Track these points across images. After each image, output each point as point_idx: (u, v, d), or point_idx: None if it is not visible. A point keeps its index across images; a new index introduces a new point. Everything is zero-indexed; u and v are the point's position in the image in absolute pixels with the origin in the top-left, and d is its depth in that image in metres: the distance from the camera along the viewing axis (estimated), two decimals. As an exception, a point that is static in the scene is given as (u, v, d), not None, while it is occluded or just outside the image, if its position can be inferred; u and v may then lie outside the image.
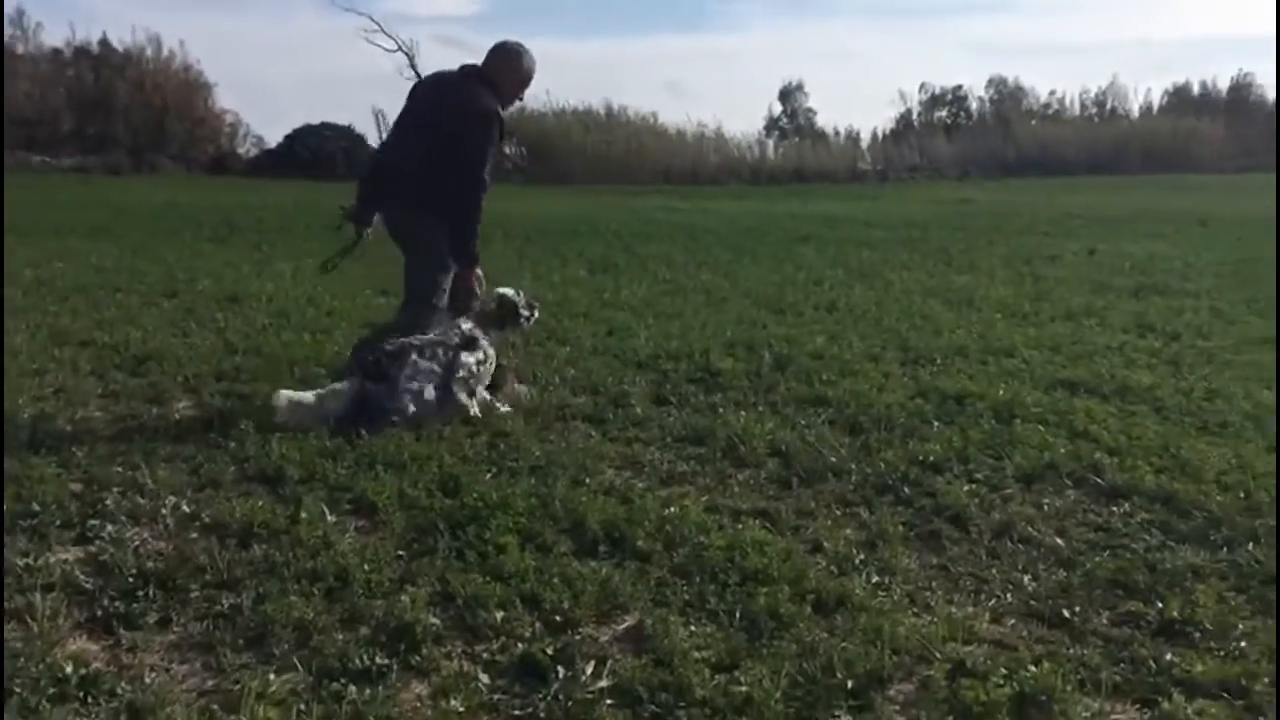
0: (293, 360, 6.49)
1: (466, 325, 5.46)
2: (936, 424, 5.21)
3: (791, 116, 59.23)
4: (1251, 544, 3.58)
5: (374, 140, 47.97)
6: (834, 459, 4.61)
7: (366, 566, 3.33)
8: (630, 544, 3.59)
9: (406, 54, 52.59)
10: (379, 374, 5.10)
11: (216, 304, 9.05)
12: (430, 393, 5.18)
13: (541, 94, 50.17)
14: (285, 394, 5.03)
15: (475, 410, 5.31)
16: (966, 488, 4.24)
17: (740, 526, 3.82)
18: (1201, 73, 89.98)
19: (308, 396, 5.06)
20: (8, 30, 34.56)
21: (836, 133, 54.37)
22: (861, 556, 3.56)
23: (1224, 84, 63.34)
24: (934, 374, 6.47)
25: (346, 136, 45.18)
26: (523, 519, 3.77)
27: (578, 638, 2.96)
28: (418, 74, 50.57)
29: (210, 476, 4.30)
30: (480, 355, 5.42)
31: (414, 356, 5.19)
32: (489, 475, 4.38)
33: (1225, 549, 3.58)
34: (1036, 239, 18.02)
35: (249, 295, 9.54)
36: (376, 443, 4.68)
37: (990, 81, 60.32)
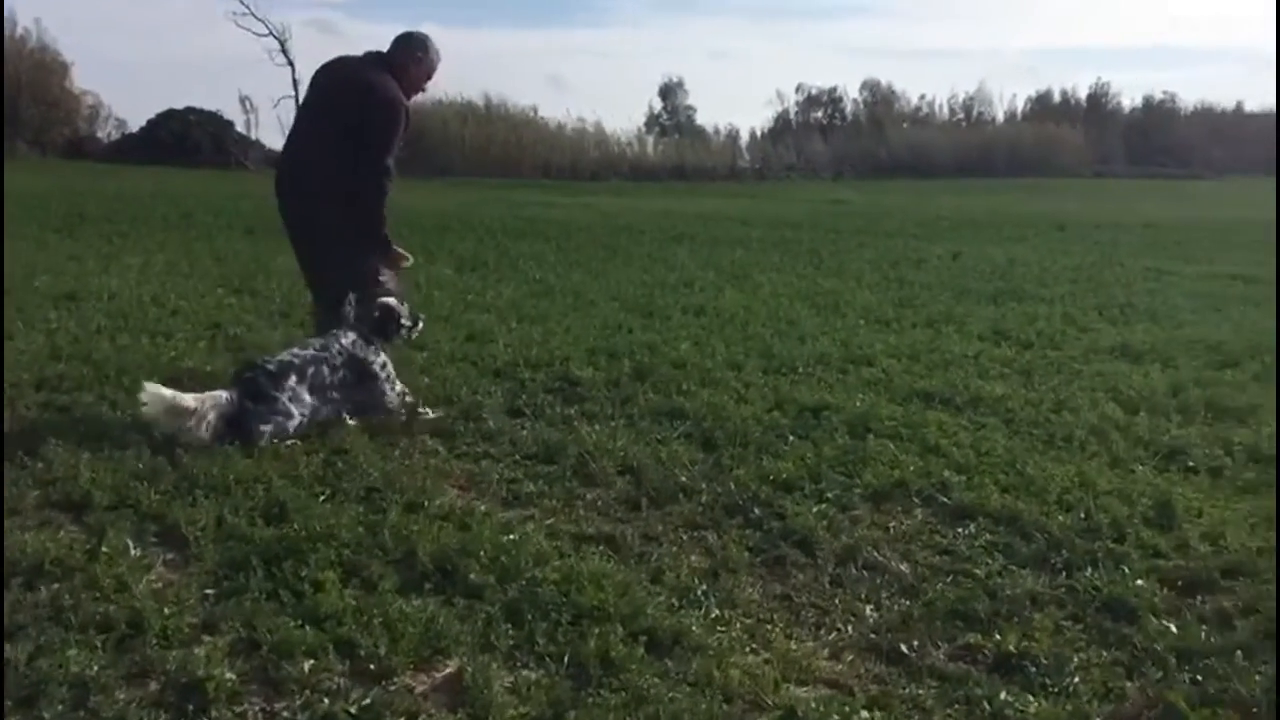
0: (123, 368, 6.06)
1: (347, 339, 5.26)
2: (791, 438, 5.14)
3: (672, 114, 59.59)
4: (1090, 569, 3.57)
5: (241, 127, 46.60)
6: (685, 478, 4.49)
7: (165, 611, 3.05)
8: (462, 577, 3.39)
9: (278, 39, 51.18)
10: (257, 394, 4.87)
11: (51, 303, 8.48)
12: (303, 415, 4.99)
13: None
14: (155, 390, 4.72)
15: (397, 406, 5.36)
16: (816, 509, 4.16)
17: (580, 555, 3.65)
18: (1062, 81, 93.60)
19: (186, 400, 4.74)
20: None
21: (716, 131, 54.97)
22: (703, 587, 3.43)
23: (1083, 92, 66.11)
24: (794, 384, 6.42)
25: (213, 122, 43.64)
26: (347, 550, 3.54)
27: (391, 689, 2.75)
28: (289, 60, 49.28)
29: (9, 503, 3.94)
30: (382, 374, 5.38)
31: (293, 379, 4.99)
32: (320, 499, 4.13)
33: (1064, 573, 3.56)
34: (905, 242, 18.35)
35: (89, 293, 8.99)
36: (200, 463, 4.37)
37: (864, 84, 61.90)
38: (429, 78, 5.76)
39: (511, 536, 3.71)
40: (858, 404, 5.79)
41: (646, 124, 57.09)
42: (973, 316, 9.52)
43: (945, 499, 4.27)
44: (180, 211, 18.07)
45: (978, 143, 56.78)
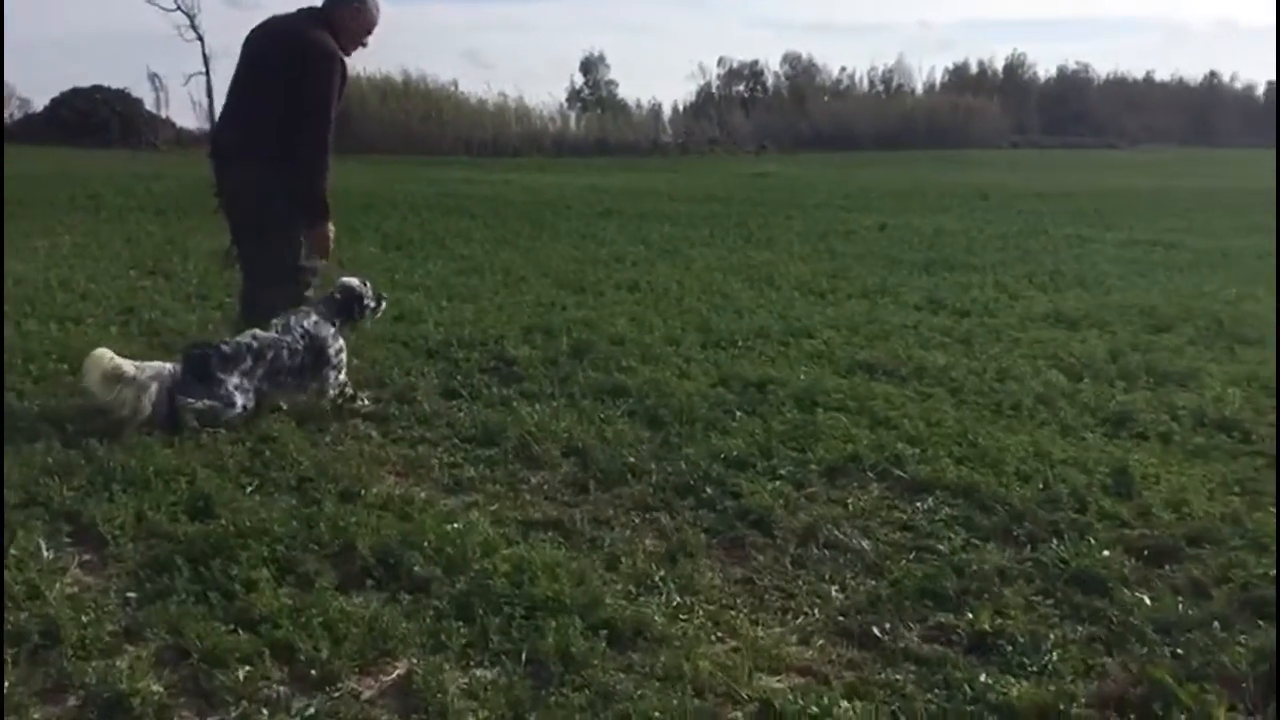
0: (30, 355, 5.71)
1: (309, 320, 4.99)
2: (739, 414, 5.00)
3: (594, 88, 59.15)
4: (1055, 540, 3.48)
5: (151, 105, 45.17)
6: (632, 458, 4.33)
7: (83, 618, 2.79)
8: (405, 571, 3.18)
9: (186, 13, 49.64)
10: (202, 374, 4.61)
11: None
12: (246, 403, 4.72)
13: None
14: (99, 353, 4.46)
15: (335, 395, 5.06)
16: (770, 486, 4.03)
17: (530, 543, 3.47)
18: (979, 53, 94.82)
19: (127, 366, 4.47)
20: None
21: (638, 105, 54.66)
22: (661, 573, 3.26)
23: (1000, 63, 67.07)
24: (735, 358, 6.30)
25: (121, 100, 42.26)
26: (280, 546, 3.30)
27: (335, 696, 2.55)
28: (199, 35, 47.82)
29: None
30: (336, 359, 5.08)
31: (247, 362, 4.73)
32: (247, 491, 3.88)
33: (1029, 546, 3.47)
34: (831, 213, 18.36)
35: (-10, 278, 8.51)
36: (116, 455, 4.09)
37: (785, 57, 62.07)
38: (368, 31, 5.40)
39: (455, 525, 3.51)
40: (802, 377, 5.67)
41: (569, 99, 56.62)
42: (906, 286, 9.49)
43: (900, 473, 4.16)
44: (88, 193, 17.36)
45: (898, 115, 57.34)
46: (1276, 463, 4.24)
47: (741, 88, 60.98)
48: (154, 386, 4.47)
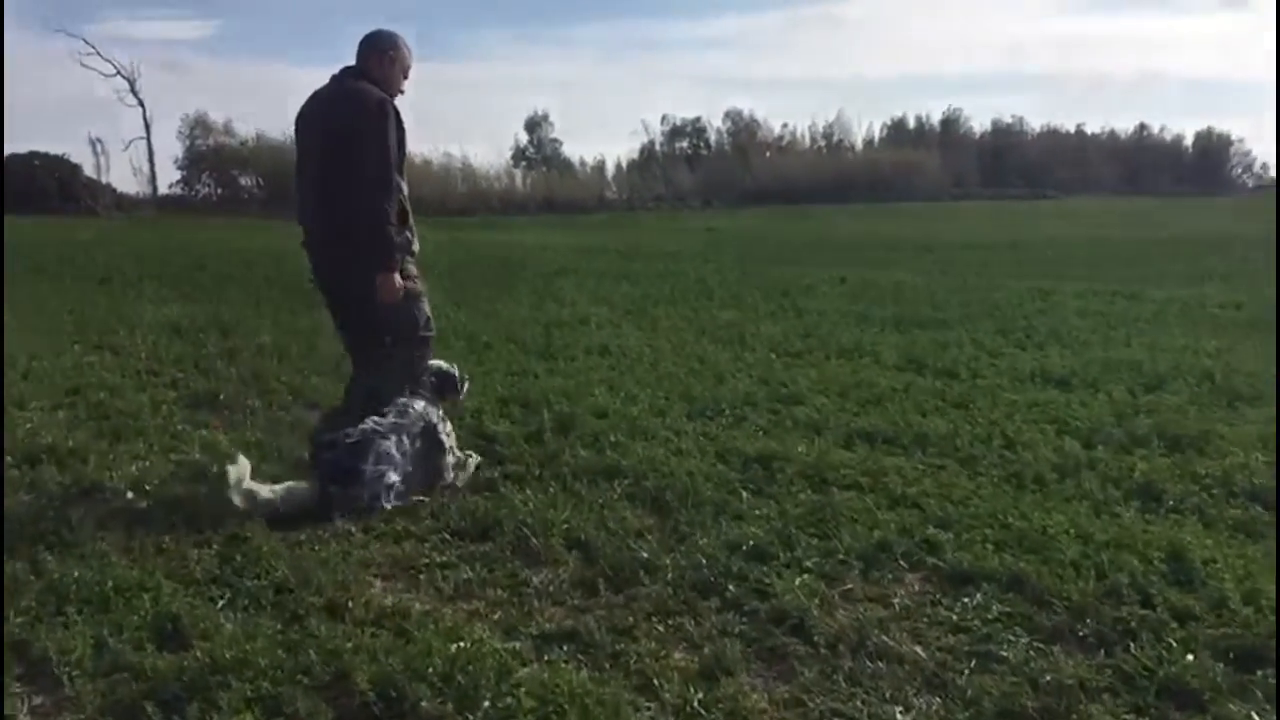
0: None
1: (419, 405, 4.95)
2: (747, 495, 4.66)
3: (538, 146, 59.17)
4: (1130, 642, 3.15)
5: (91, 171, 44.34)
6: (643, 551, 3.95)
7: (37, 790, 2.36)
8: (412, 707, 2.77)
9: (126, 79, 48.96)
10: (341, 474, 4.51)
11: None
12: (396, 479, 4.65)
13: (280, 121, 48.13)
14: (243, 478, 4.37)
15: (461, 476, 5.01)
16: (799, 580, 3.67)
17: (547, 662, 3.08)
18: (914, 108, 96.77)
19: (264, 491, 4.41)
20: None
21: (583, 163, 54.70)
22: (700, 695, 2.89)
23: (937, 117, 68.32)
24: (727, 429, 5.97)
25: (60, 166, 41.39)
26: (265, 682, 2.87)
27: None
28: (139, 100, 47.20)
29: None
30: (448, 441, 5.01)
31: (379, 443, 4.64)
32: (219, 606, 3.45)
33: (1102, 650, 3.13)
34: (787, 269, 18.21)
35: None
36: (70, 567, 3.63)
37: (727, 114, 62.63)
38: (405, 75, 5.12)
39: (462, 644, 3.10)
40: (803, 450, 5.35)
41: (514, 157, 56.49)
42: (881, 345, 9.25)
43: (938, 561, 3.83)
44: (29, 262, 16.69)
45: (839, 169, 58.04)
46: (1277, 466, 3.97)
47: (684, 144, 61.39)
48: (283, 508, 4.40)
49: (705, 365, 8.20)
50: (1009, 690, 2.87)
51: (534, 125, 60.02)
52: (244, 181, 48.66)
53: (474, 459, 5.17)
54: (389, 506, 4.55)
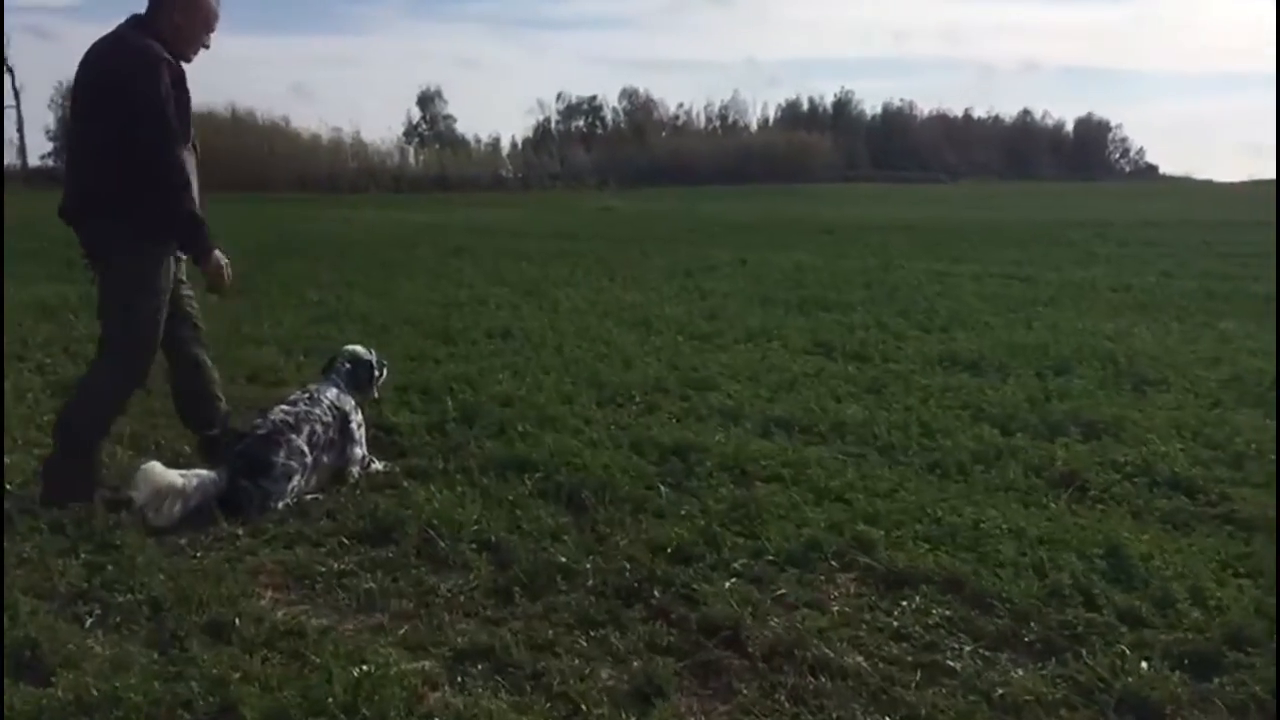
0: None
1: (331, 393, 4.71)
2: (666, 490, 4.42)
3: (431, 123, 57.97)
4: (1081, 650, 3.00)
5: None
6: (560, 554, 3.68)
7: None
8: (311, 747, 2.47)
9: (-10, 43, 46.28)
10: (250, 468, 4.23)
11: None
12: (302, 474, 4.38)
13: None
14: (155, 469, 4.04)
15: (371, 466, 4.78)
16: (728, 585, 3.45)
17: (463, 687, 2.79)
18: (805, 89, 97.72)
19: (175, 478, 4.05)
20: None
21: (477, 140, 53.79)
22: None
23: (830, 100, 69.11)
24: (638, 417, 5.73)
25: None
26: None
27: None
28: (7, 67, 44.72)
29: None
30: (358, 434, 4.76)
31: (290, 436, 4.37)
32: (87, 625, 3.08)
33: (1053, 659, 2.96)
34: (687, 249, 18.06)
35: None
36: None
37: (623, 93, 62.26)
38: (208, 28, 4.46)
39: (365, 667, 2.80)
40: (721, 440, 5.14)
41: (406, 134, 55.20)
42: (788, 328, 9.11)
43: (871, 561, 3.64)
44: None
45: (735, 149, 58.26)
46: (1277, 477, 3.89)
47: (581, 123, 60.88)
48: (196, 499, 4.09)
49: (612, 349, 7.95)
50: (964, 708, 2.68)
51: (426, 101, 58.83)
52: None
53: (378, 464, 4.84)
54: (284, 505, 4.24)
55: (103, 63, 4.27)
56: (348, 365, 4.92)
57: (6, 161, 44.28)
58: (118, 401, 4.54)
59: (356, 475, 4.65)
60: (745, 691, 2.83)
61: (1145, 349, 7.97)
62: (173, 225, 4.33)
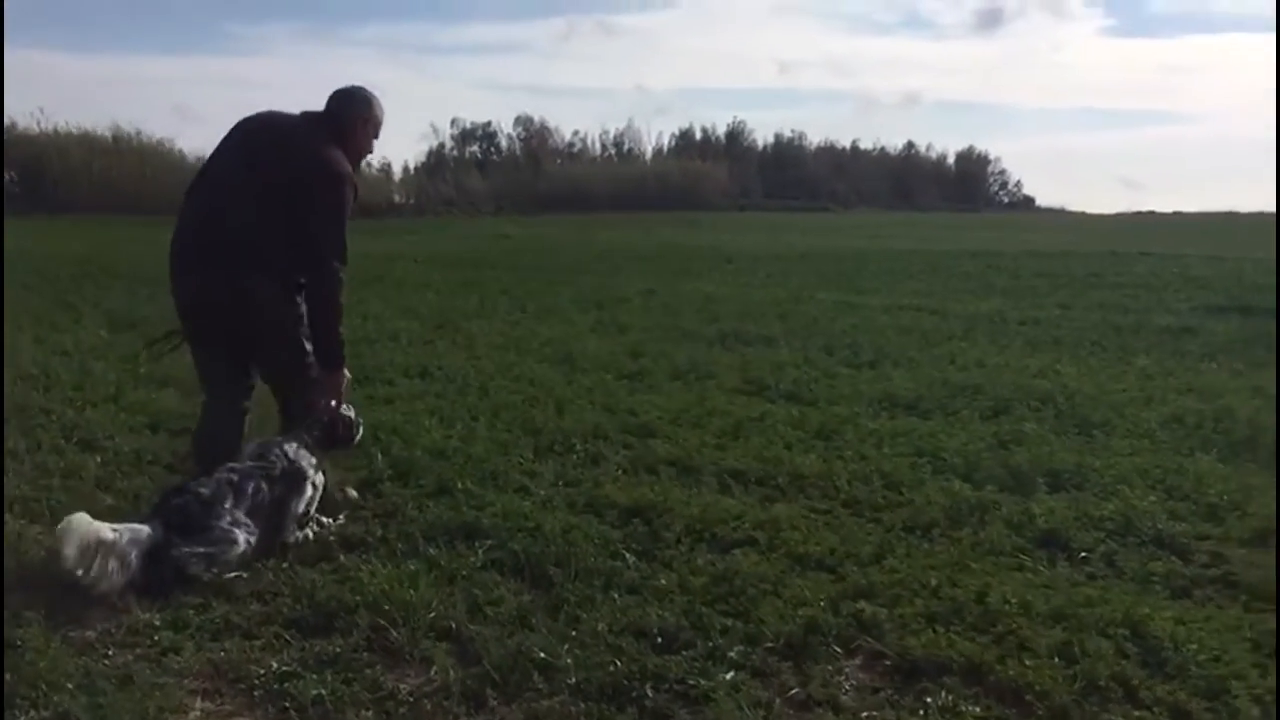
0: None
1: (290, 447, 4.27)
2: (632, 560, 4.04)
3: (320, 145, 56.48)
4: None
5: None
6: (537, 647, 3.26)
7: None
8: None
9: None
10: (186, 526, 3.82)
11: None
12: (249, 538, 3.95)
13: (33, 110, 44.11)
14: (79, 519, 3.62)
15: (309, 535, 4.27)
16: (727, 679, 3.08)
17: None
18: (695, 118, 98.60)
19: (105, 531, 3.62)
20: None
21: (369, 165, 52.54)
22: None
23: (723, 129, 69.69)
24: (584, 468, 5.36)
25: None
26: None
27: None
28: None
29: None
30: (309, 492, 4.28)
31: (231, 499, 3.97)
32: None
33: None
34: (593, 278, 17.71)
35: None
36: None
37: (518, 119, 61.66)
38: (376, 136, 4.71)
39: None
40: (681, 499, 4.79)
41: (294, 156, 53.57)
42: (716, 364, 8.83)
43: (878, 646, 3.32)
44: None
45: (630, 177, 58.17)
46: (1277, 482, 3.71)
47: (475, 149, 60.15)
48: (133, 553, 3.65)
49: (539, 389, 7.55)
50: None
51: (315, 123, 57.32)
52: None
53: (321, 525, 4.41)
54: (239, 555, 3.88)
55: (296, 160, 4.36)
56: (323, 420, 4.51)
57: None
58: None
59: (294, 540, 4.21)
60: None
61: (1078, 388, 7.89)
62: (328, 342, 4.50)
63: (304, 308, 4.43)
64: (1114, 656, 3.22)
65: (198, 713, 2.87)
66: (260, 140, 4.49)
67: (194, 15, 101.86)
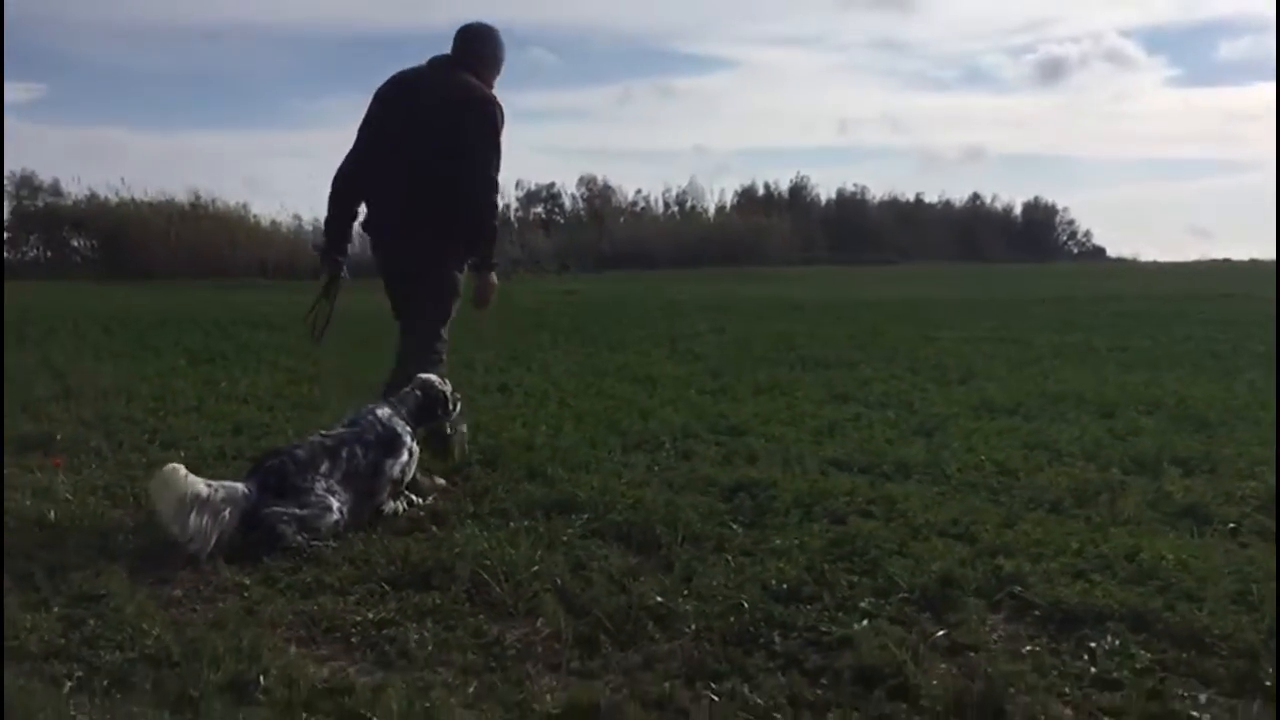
0: None
1: (384, 413, 4.20)
2: (741, 530, 3.76)
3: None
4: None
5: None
6: (651, 595, 3.01)
7: None
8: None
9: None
10: (281, 486, 3.72)
11: None
12: (342, 508, 3.83)
13: (114, 182, 45.50)
14: (176, 474, 3.51)
15: (400, 509, 4.11)
16: (859, 626, 2.79)
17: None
18: (760, 176, 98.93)
19: (200, 486, 3.52)
20: None
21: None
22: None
23: (785, 185, 69.72)
24: (677, 462, 5.10)
25: None
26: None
27: None
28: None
29: None
30: (405, 457, 4.15)
31: (326, 464, 3.87)
32: (67, 689, 2.36)
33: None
34: (664, 321, 17.52)
35: None
36: None
37: (581, 180, 62.21)
38: (499, 70, 4.97)
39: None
40: (785, 479, 4.52)
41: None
42: (800, 383, 8.57)
43: (1027, 595, 3.02)
44: None
45: (693, 234, 58.26)
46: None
47: (540, 209, 60.79)
48: (226, 511, 3.54)
49: (621, 401, 7.33)
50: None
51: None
52: (75, 244, 45.30)
53: (416, 500, 4.25)
54: (333, 524, 3.75)
55: (451, 100, 4.64)
56: (418, 393, 4.39)
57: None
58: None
59: (392, 508, 4.06)
60: (943, 752, 2.17)
61: (1188, 394, 7.49)
62: (482, 253, 4.84)
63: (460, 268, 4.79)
64: (1292, 604, 2.88)
65: (294, 656, 2.65)
66: (396, 100, 4.78)
67: (259, 93, 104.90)
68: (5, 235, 33.40)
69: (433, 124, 4.61)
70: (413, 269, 4.79)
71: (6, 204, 41.46)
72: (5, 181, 39.83)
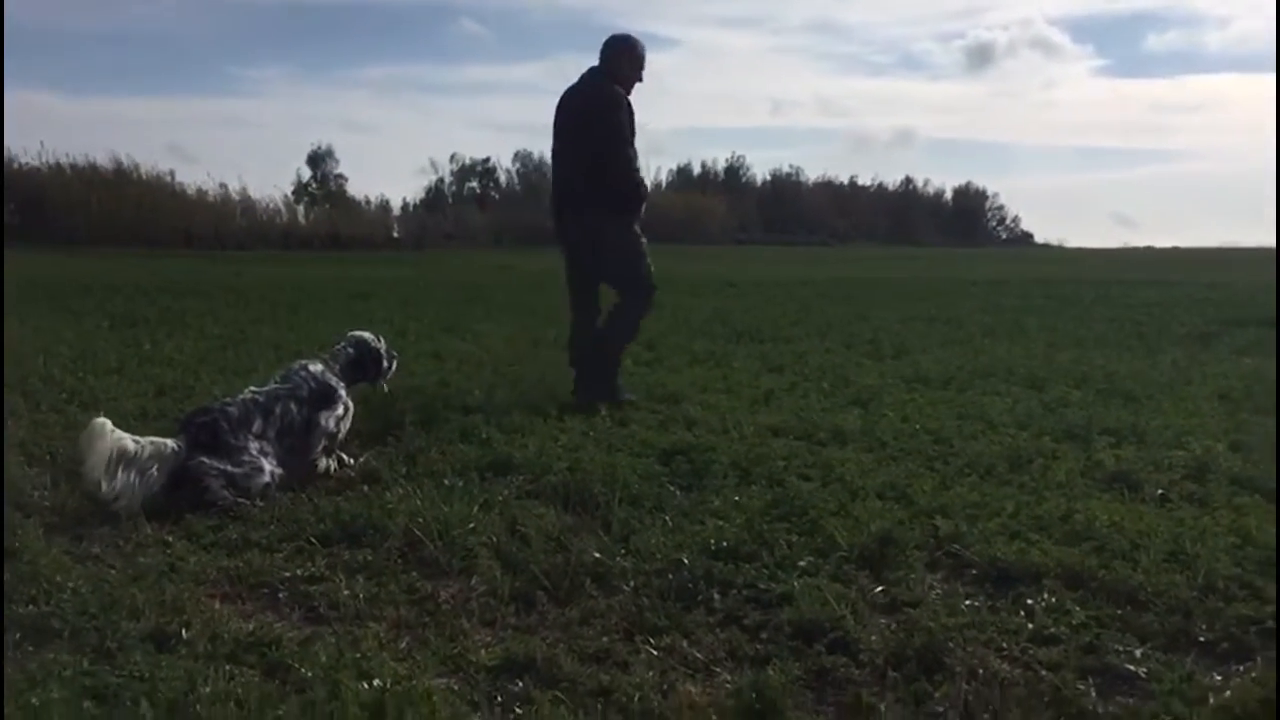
0: None
1: (316, 368, 4.16)
2: (678, 492, 3.73)
3: (322, 182, 56.40)
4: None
5: None
6: (594, 556, 2.96)
7: None
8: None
9: None
10: (212, 443, 3.64)
11: None
12: (274, 470, 3.76)
13: (33, 147, 44.06)
14: (104, 428, 3.43)
15: (331, 467, 4.07)
16: (800, 582, 2.77)
17: (508, 704, 2.07)
18: (696, 156, 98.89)
19: (127, 441, 3.45)
20: None
21: (368, 201, 52.46)
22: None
23: (721, 165, 69.86)
24: (614, 428, 5.05)
25: None
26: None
27: None
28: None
29: None
30: (340, 410, 4.15)
31: (259, 422, 3.82)
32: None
33: (1249, 660, 2.38)
34: (606, 296, 17.40)
35: None
36: None
37: (517, 155, 61.66)
38: (640, 66, 6.07)
39: (378, 682, 2.04)
40: (723, 443, 4.50)
41: (295, 192, 53.35)
42: (734, 354, 8.62)
43: (965, 555, 3.02)
44: None
45: (629, 212, 58.14)
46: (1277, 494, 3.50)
47: (474, 184, 60.19)
48: (155, 468, 3.47)
49: (555, 368, 7.26)
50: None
51: (318, 160, 57.26)
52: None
53: (347, 460, 4.17)
54: (268, 481, 3.69)
55: (583, 104, 5.90)
56: (350, 350, 4.32)
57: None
58: (638, 326, 6.30)
59: (325, 466, 4.00)
60: (883, 707, 2.15)
61: (1115, 370, 7.62)
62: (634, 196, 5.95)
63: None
64: (1229, 562, 2.91)
65: (218, 611, 2.55)
66: (561, 109, 6.02)
67: (192, 58, 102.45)
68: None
69: (579, 123, 5.88)
70: (599, 243, 5.89)
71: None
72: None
